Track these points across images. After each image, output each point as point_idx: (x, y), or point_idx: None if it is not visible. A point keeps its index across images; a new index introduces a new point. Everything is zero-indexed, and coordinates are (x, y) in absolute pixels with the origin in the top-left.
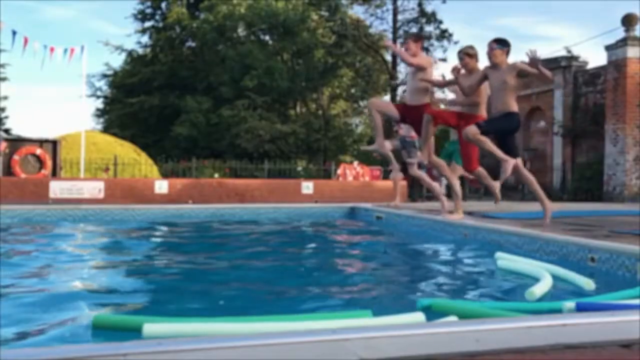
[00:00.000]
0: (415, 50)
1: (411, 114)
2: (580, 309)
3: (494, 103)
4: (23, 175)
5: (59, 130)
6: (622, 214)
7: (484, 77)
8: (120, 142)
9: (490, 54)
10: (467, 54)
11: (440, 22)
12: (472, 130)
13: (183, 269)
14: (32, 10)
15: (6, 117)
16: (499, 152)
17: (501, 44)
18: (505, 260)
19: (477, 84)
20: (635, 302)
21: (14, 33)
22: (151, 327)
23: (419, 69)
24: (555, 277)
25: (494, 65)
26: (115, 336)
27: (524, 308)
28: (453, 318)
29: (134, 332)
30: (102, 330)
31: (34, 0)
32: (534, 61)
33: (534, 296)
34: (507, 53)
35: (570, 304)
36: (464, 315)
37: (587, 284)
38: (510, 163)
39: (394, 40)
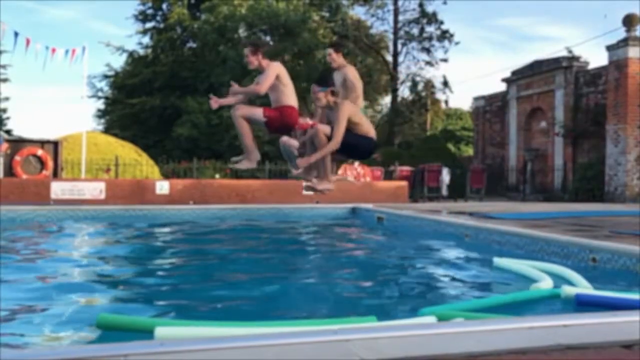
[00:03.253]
0: (258, 62)
1: (273, 115)
2: (580, 299)
3: None
4: (24, 176)
5: (60, 131)
6: (623, 214)
7: (329, 122)
8: (121, 142)
9: (314, 99)
10: (332, 92)
11: (442, 22)
12: (325, 130)
13: (184, 270)
14: (32, 11)
15: (8, 118)
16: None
17: (321, 85)
18: (505, 262)
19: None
20: (635, 296)
21: (16, 34)
22: (163, 330)
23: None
24: (556, 276)
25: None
26: (117, 337)
27: (525, 296)
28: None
29: (142, 334)
30: (106, 331)
31: (34, 1)
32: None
33: None
34: (333, 92)
35: (569, 288)
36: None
37: (586, 288)
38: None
39: (395, 42)
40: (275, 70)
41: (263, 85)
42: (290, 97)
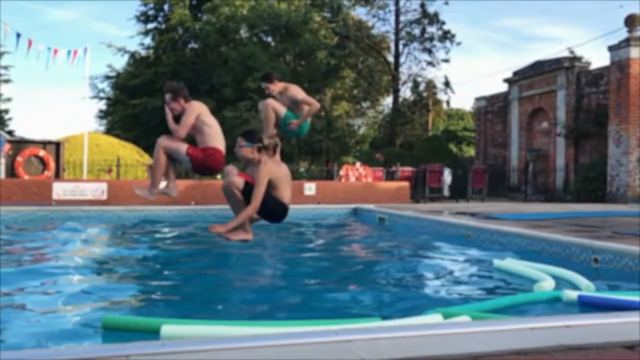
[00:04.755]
0: (181, 107)
1: (195, 155)
2: (582, 300)
3: None
4: (26, 177)
5: (62, 131)
6: (625, 215)
7: (251, 176)
8: (123, 143)
9: (239, 153)
10: (258, 149)
11: (443, 23)
12: (238, 183)
13: (187, 269)
14: (34, 12)
15: (10, 119)
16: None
17: (249, 140)
18: (505, 263)
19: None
20: (637, 297)
21: (18, 35)
22: (169, 329)
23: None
24: (558, 278)
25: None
26: (120, 337)
27: (526, 298)
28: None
29: (147, 334)
30: (111, 331)
31: (36, 3)
32: None
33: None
34: (259, 149)
35: (571, 293)
36: None
37: (588, 287)
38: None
39: (396, 42)
40: (195, 112)
41: (181, 128)
42: (214, 138)
